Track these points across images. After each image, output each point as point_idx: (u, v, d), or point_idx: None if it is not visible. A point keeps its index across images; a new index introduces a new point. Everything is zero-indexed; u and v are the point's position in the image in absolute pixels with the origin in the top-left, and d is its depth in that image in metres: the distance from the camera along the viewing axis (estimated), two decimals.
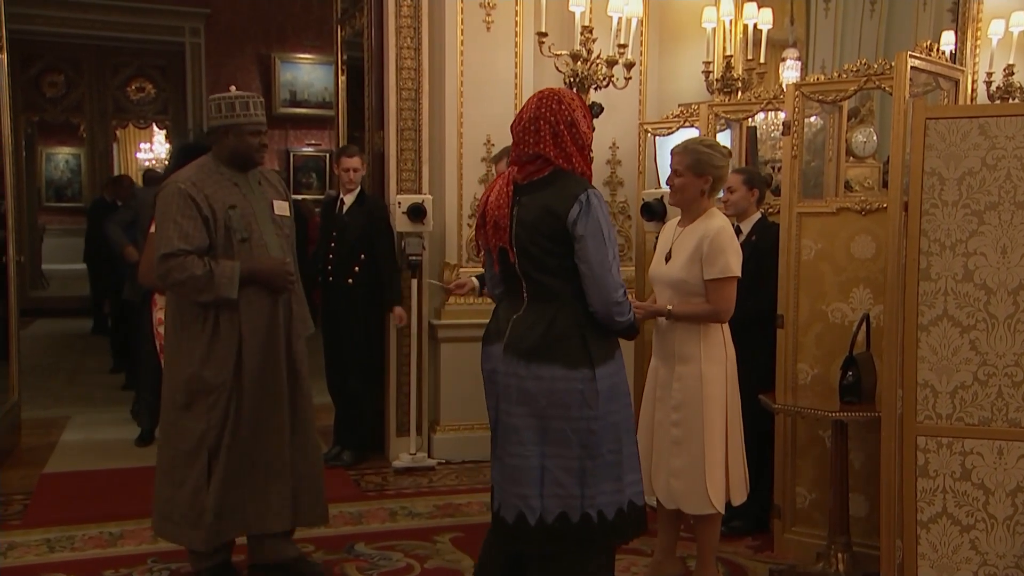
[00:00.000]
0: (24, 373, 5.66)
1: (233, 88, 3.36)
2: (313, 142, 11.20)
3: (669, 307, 3.15)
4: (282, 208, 3.34)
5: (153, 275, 3.16)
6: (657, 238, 3.48)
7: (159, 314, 4.15)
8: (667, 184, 3.31)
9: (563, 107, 2.56)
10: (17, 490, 4.50)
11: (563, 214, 2.50)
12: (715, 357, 3.16)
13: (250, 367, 3.19)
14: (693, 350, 3.15)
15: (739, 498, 3.25)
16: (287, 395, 3.29)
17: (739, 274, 3.15)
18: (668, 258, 3.23)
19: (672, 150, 3.30)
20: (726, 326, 3.22)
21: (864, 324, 3.47)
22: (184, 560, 3.62)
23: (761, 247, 3.91)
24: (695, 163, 3.15)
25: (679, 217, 3.33)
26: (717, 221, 3.17)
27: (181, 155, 3.39)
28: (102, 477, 4.77)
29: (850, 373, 3.39)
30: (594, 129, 4.77)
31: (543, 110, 2.56)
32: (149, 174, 8.61)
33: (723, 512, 3.23)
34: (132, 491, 4.49)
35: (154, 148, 13.80)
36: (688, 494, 3.17)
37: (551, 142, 2.54)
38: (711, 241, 3.09)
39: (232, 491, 3.21)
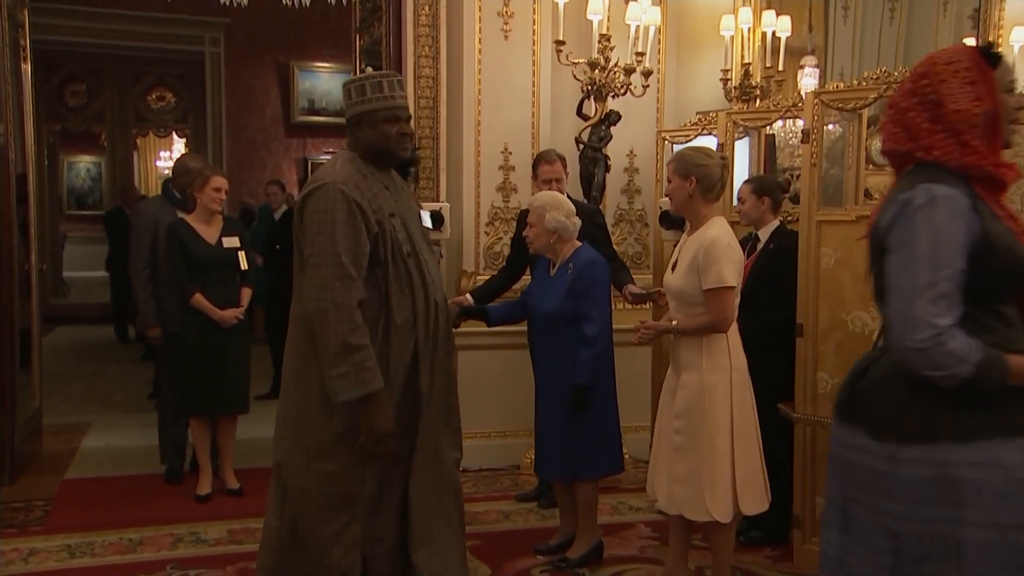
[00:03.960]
0: (45, 380, 5.70)
1: (369, 68, 2.95)
2: (331, 150, 11.24)
3: (674, 322, 3.17)
4: (426, 218, 2.94)
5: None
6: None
7: None
8: (665, 194, 3.38)
9: (920, 81, 1.91)
10: (38, 496, 4.53)
11: (880, 221, 1.92)
12: (718, 366, 3.13)
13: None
14: (695, 359, 3.14)
15: (756, 508, 3.21)
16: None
17: (734, 284, 3.10)
18: (675, 268, 3.24)
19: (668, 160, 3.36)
20: (734, 335, 3.20)
21: None
22: (202, 567, 3.64)
23: (779, 254, 3.89)
24: (679, 165, 3.20)
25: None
26: (713, 231, 3.13)
27: None
28: (122, 483, 4.79)
29: None
30: (611, 138, 4.86)
31: (896, 91, 1.99)
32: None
33: (727, 521, 3.17)
34: (152, 497, 4.53)
35: (173, 156, 13.91)
36: (689, 501, 3.15)
37: (896, 129, 1.95)
38: (705, 251, 3.08)
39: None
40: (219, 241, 4.46)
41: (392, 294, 2.62)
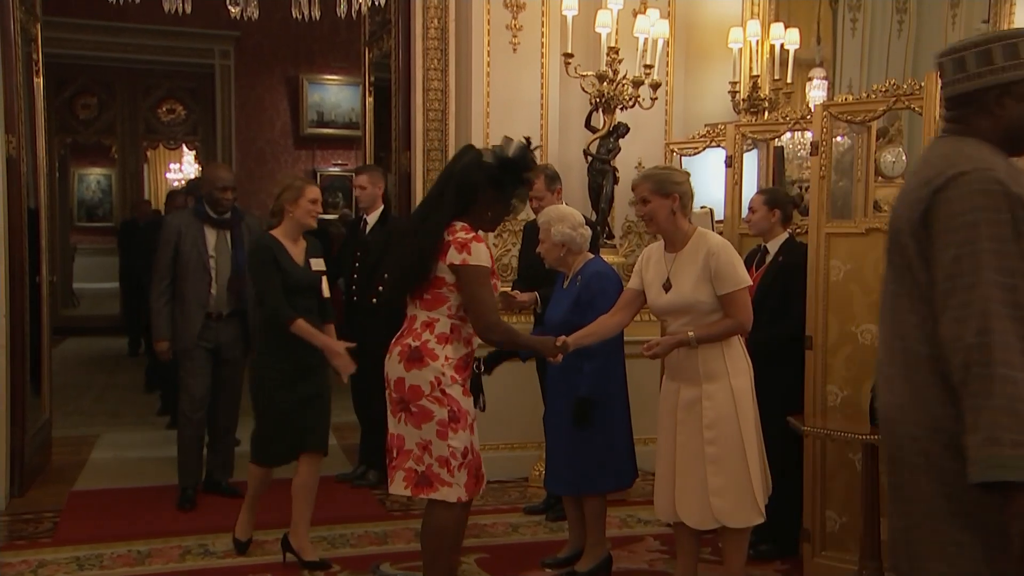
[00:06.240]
0: (55, 391, 5.71)
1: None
2: (340, 162, 11.29)
3: (690, 333, 3.11)
4: None
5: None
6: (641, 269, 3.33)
7: (437, 372, 2.94)
8: (638, 216, 3.33)
9: None
10: (47, 507, 4.54)
11: None
12: (741, 370, 3.16)
13: None
14: (719, 367, 3.13)
15: (758, 517, 3.21)
16: None
17: (750, 282, 3.18)
18: (668, 287, 3.18)
19: (632, 184, 3.33)
20: (741, 339, 3.22)
21: None
22: None
23: (788, 267, 3.89)
24: (657, 185, 3.17)
25: (658, 246, 3.29)
26: (715, 238, 3.19)
27: None
28: (131, 495, 4.80)
29: None
30: (619, 150, 4.87)
31: None
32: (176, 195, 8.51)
33: (763, 520, 3.18)
34: (160, 509, 4.52)
35: (183, 168, 13.98)
36: (735, 510, 3.12)
37: None
38: (718, 258, 3.08)
39: None
40: (307, 263, 3.87)
41: None
